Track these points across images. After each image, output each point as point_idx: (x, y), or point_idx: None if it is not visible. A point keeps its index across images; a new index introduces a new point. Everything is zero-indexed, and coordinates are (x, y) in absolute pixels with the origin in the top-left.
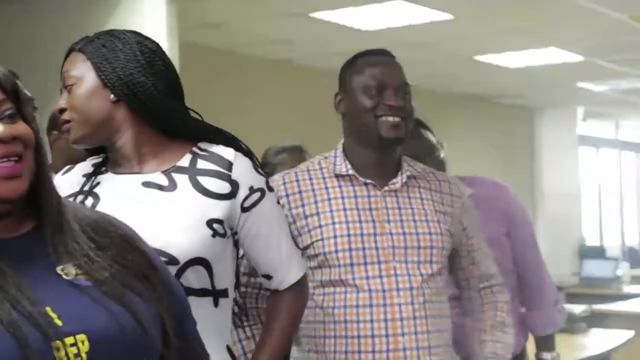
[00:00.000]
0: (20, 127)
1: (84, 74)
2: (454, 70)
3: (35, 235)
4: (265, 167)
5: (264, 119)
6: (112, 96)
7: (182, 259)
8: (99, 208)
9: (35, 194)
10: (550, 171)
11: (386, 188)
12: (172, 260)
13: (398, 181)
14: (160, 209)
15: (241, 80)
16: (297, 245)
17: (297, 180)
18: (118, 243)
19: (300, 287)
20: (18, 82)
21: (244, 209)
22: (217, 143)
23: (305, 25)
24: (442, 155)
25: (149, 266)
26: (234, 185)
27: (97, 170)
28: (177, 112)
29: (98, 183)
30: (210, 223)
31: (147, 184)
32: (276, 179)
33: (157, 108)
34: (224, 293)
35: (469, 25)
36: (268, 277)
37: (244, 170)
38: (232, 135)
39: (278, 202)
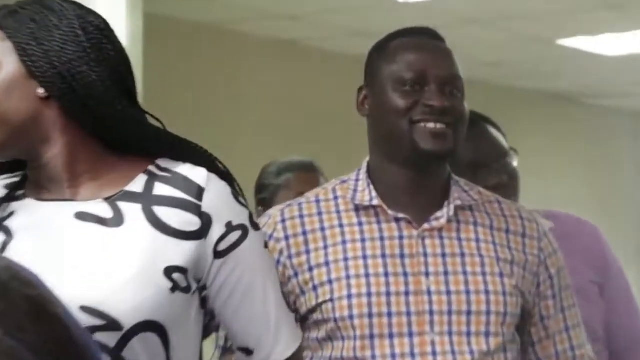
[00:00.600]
0: None
1: (1, 59)
2: (527, 59)
3: None
4: (261, 191)
5: (256, 117)
6: (40, 90)
7: (127, 323)
8: (10, 249)
9: None
10: None
11: (426, 226)
12: (113, 325)
13: (444, 215)
14: (99, 251)
15: (222, 64)
16: (292, 306)
17: (302, 217)
18: (19, 308)
19: None
20: None
21: (218, 254)
22: (184, 160)
23: None
24: (514, 163)
25: (61, 342)
26: (205, 219)
27: (12, 194)
28: (128, 115)
29: (12, 213)
30: (168, 272)
31: (82, 216)
32: (273, 214)
33: (102, 110)
34: None
35: None
36: (247, 351)
37: (219, 200)
38: (206, 151)
39: (266, 246)
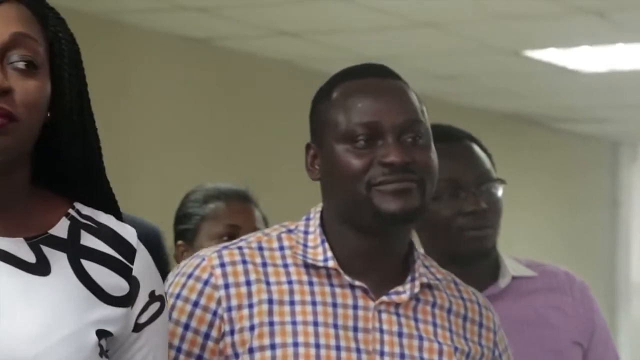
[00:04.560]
0: None
1: (41, 50)
2: (487, 72)
3: None
4: (184, 221)
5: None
6: (48, 114)
7: None
8: None
9: None
10: None
11: (384, 298)
12: None
13: (405, 290)
14: (25, 300)
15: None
16: None
17: (244, 262)
18: None
19: None
20: None
21: (137, 327)
22: (91, 204)
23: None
24: (498, 193)
25: None
26: (134, 286)
27: None
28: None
29: None
30: (99, 336)
31: (2, 256)
32: (208, 257)
33: (77, 141)
34: None
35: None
36: None
37: (147, 264)
38: (114, 198)
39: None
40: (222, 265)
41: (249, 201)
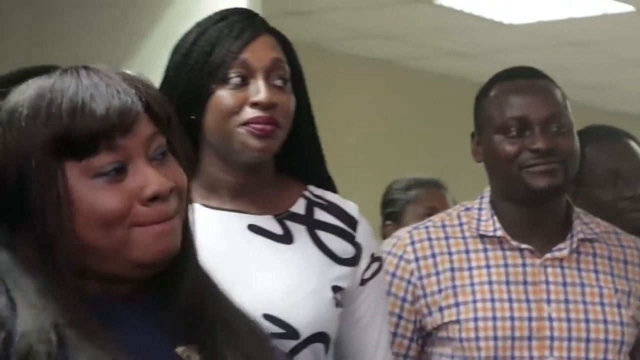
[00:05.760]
0: (174, 173)
1: (288, 71)
2: (634, 82)
3: (151, 302)
4: (390, 205)
5: (354, 137)
6: None
7: (304, 333)
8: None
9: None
10: None
11: (548, 255)
12: (292, 334)
13: (566, 246)
14: (276, 265)
15: (327, 84)
16: (417, 324)
17: (430, 239)
18: (247, 336)
19: None
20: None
21: (362, 281)
22: (318, 184)
23: (424, 15)
24: None
25: None
26: (358, 249)
27: None
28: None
29: None
30: (334, 290)
31: (254, 229)
32: (402, 236)
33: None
34: None
35: None
36: None
37: (367, 232)
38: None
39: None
40: (412, 243)
41: (441, 187)
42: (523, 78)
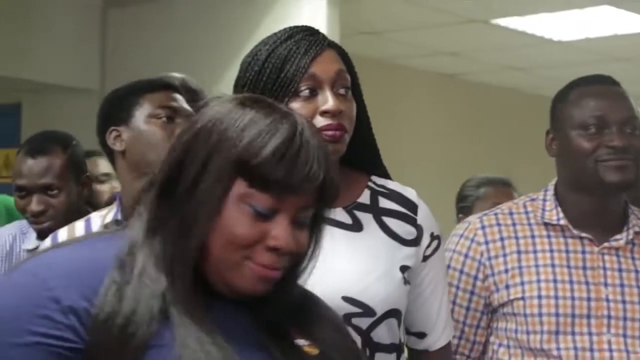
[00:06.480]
0: (302, 241)
1: (350, 80)
2: None
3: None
4: (462, 200)
5: (419, 144)
6: None
7: (379, 310)
8: None
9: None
10: None
11: (606, 244)
12: (368, 312)
13: (622, 237)
14: (350, 251)
15: (396, 95)
16: (486, 300)
17: (499, 225)
18: (330, 327)
19: (446, 352)
20: None
21: (425, 258)
22: (380, 175)
23: (482, 34)
24: None
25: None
26: (419, 230)
27: None
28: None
29: None
30: (402, 270)
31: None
32: (473, 222)
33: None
34: (402, 348)
35: None
36: (421, 335)
37: (426, 214)
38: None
39: None
40: (483, 227)
41: (509, 186)
42: (599, 84)
